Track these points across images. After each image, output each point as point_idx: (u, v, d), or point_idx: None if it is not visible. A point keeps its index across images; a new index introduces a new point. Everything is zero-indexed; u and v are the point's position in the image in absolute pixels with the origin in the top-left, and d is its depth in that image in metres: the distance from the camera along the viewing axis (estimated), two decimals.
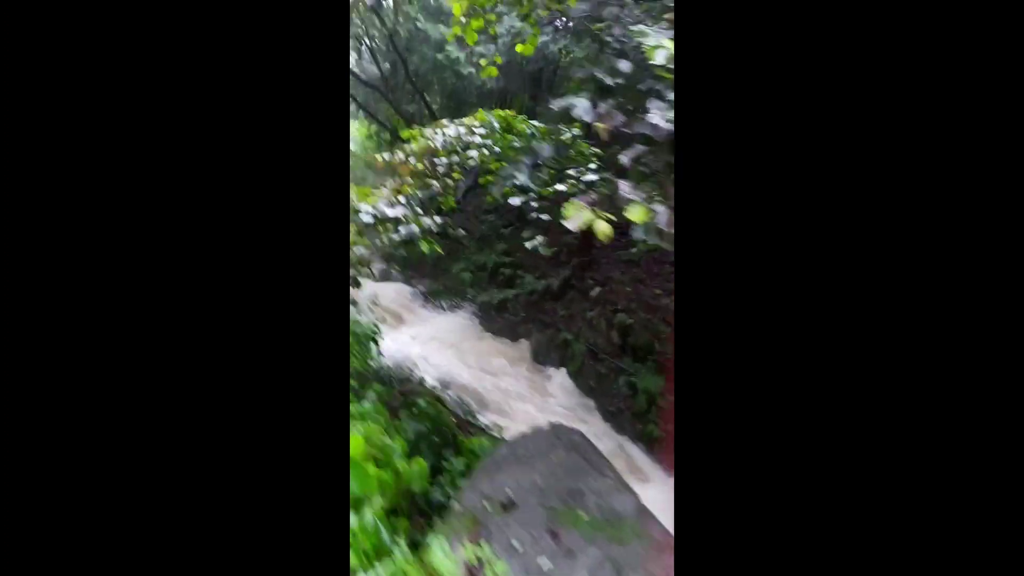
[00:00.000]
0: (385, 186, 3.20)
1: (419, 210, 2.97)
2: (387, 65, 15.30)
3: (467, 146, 3.73)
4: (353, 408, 2.84)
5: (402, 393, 3.91)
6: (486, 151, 3.67)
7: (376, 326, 4.10)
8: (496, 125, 3.97)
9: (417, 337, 7.89)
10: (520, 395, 6.34)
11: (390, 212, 2.73)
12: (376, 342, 4.17)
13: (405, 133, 4.40)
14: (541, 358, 8.41)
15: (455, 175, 3.33)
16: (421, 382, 4.44)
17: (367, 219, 2.68)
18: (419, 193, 3.29)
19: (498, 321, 9.56)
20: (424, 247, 2.75)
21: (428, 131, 4.22)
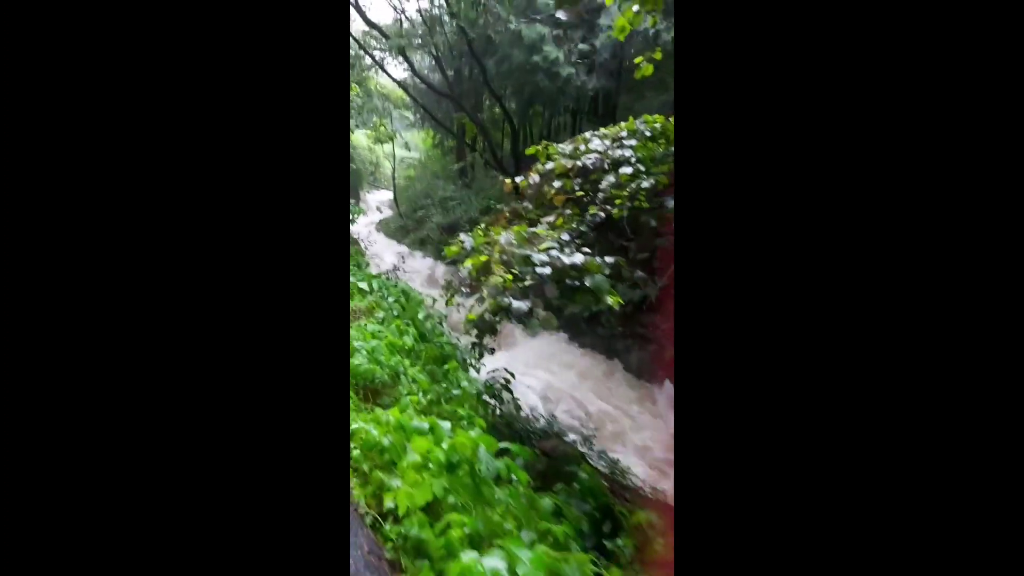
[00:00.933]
0: (541, 219, 2.64)
1: (587, 249, 2.39)
2: (451, 72, 15.03)
3: (618, 163, 3.10)
4: (525, 495, 2.29)
5: (544, 453, 3.36)
6: (640, 168, 3.02)
7: (508, 376, 3.58)
8: (647, 134, 3.30)
9: (516, 358, 7.38)
10: (643, 426, 5.68)
11: (568, 259, 2.17)
12: (509, 389, 3.65)
13: (531, 150, 3.84)
14: (645, 379, 7.70)
15: (620, 200, 2.72)
16: (559, 433, 3.89)
17: (544, 271, 2.14)
18: (576, 225, 2.71)
19: (590, 335, 8.89)
20: (611, 300, 2.17)
21: (563, 147, 3.62)
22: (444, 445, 1.75)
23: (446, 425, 1.91)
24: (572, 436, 3.95)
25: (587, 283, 2.12)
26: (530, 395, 5.95)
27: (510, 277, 2.20)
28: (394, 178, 18.92)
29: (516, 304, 2.14)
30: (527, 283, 2.16)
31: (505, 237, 2.49)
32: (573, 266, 2.14)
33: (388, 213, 18.72)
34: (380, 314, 4.60)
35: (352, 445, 2.29)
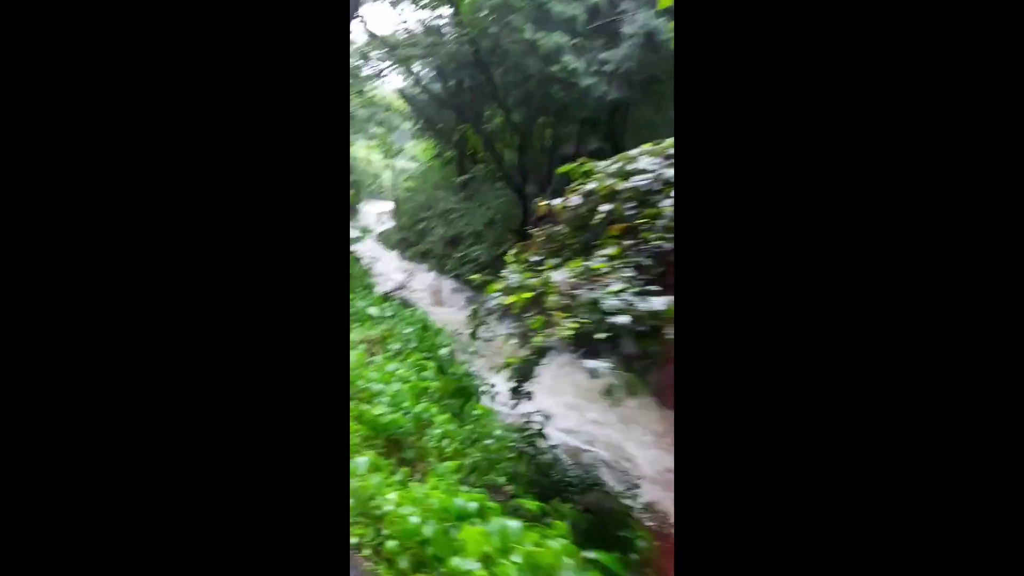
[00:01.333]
0: (601, 252, 2.28)
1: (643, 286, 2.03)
2: (452, 83, 14.74)
3: (670, 183, 2.75)
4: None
5: (587, 510, 2.98)
6: None
7: (543, 418, 3.21)
8: None
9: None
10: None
11: (644, 305, 1.82)
12: (544, 435, 3.28)
13: (564, 169, 3.49)
14: (666, 401, 7.32)
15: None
16: (599, 484, 3.50)
17: (621, 320, 1.78)
18: (641, 259, 2.35)
19: (603, 354, 8.52)
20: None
21: (605, 165, 3.26)
22: (517, 557, 1.38)
23: (514, 525, 1.53)
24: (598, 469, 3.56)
25: (668, 334, 1.78)
26: (552, 424, 5.56)
27: (575, 326, 1.86)
28: (395, 190, 18.54)
29: (591, 364, 1.78)
30: (603, 335, 1.81)
31: (561, 275, 2.13)
32: (652, 313, 1.79)
33: (388, 224, 18.33)
34: (395, 345, 4.22)
35: (386, 531, 1.91)
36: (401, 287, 7.96)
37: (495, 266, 12.06)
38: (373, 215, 20.01)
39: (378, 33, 12.69)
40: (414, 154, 21.62)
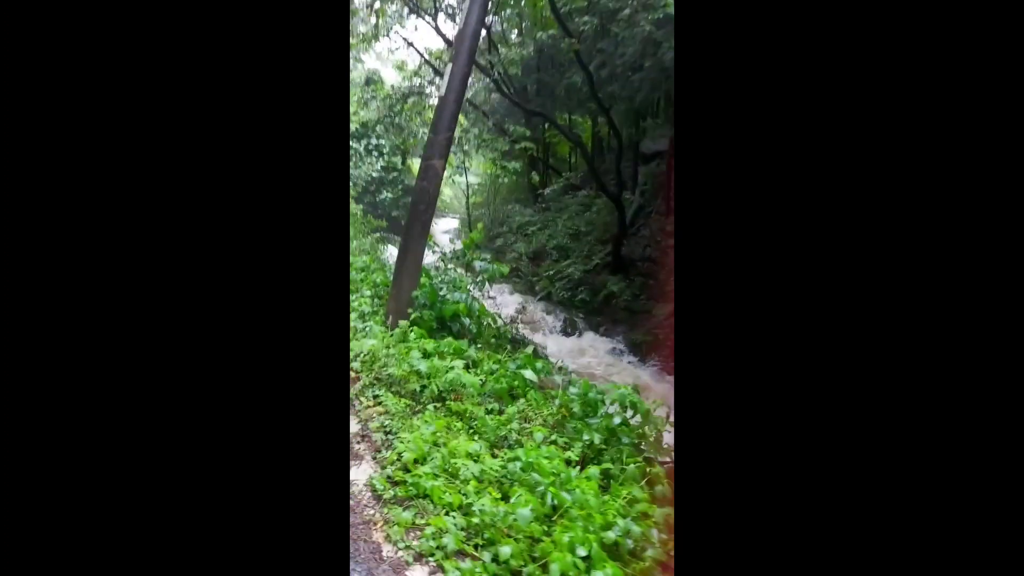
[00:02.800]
0: None
1: None
2: (522, 88, 13.74)
3: None
4: None
5: None
6: None
7: None
8: None
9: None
10: None
11: None
12: None
13: None
14: None
15: None
16: None
17: None
18: None
19: None
20: None
21: None
22: None
23: None
24: None
25: None
26: None
27: None
28: (468, 206, 17.70)
29: None
30: None
31: None
32: None
33: (458, 244, 17.54)
34: (589, 434, 3.05)
35: None
36: (513, 321, 6.88)
37: (590, 283, 10.93)
38: (441, 234, 19.34)
39: (447, 42, 11.88)
40: (476, 167, 20.81)
